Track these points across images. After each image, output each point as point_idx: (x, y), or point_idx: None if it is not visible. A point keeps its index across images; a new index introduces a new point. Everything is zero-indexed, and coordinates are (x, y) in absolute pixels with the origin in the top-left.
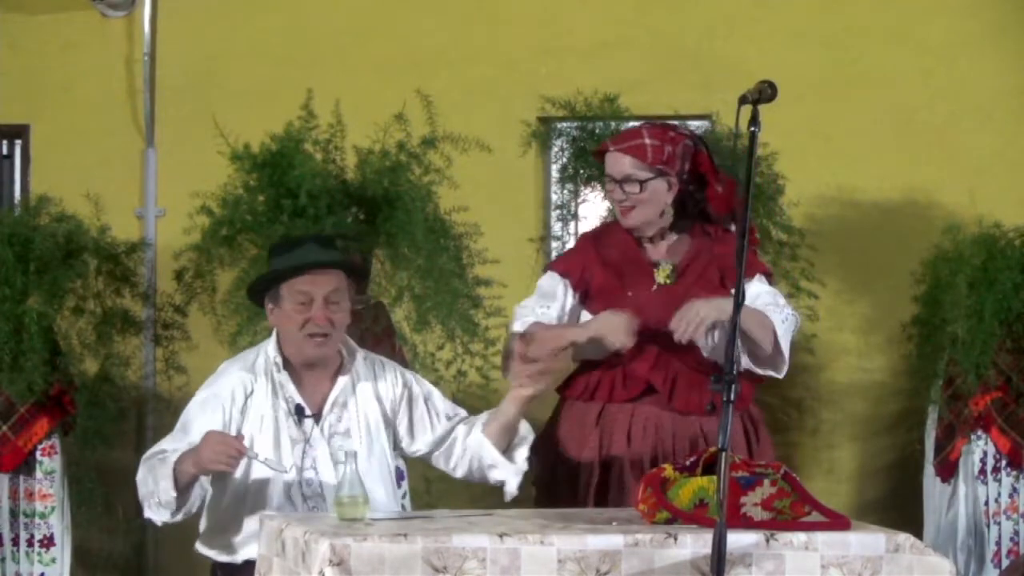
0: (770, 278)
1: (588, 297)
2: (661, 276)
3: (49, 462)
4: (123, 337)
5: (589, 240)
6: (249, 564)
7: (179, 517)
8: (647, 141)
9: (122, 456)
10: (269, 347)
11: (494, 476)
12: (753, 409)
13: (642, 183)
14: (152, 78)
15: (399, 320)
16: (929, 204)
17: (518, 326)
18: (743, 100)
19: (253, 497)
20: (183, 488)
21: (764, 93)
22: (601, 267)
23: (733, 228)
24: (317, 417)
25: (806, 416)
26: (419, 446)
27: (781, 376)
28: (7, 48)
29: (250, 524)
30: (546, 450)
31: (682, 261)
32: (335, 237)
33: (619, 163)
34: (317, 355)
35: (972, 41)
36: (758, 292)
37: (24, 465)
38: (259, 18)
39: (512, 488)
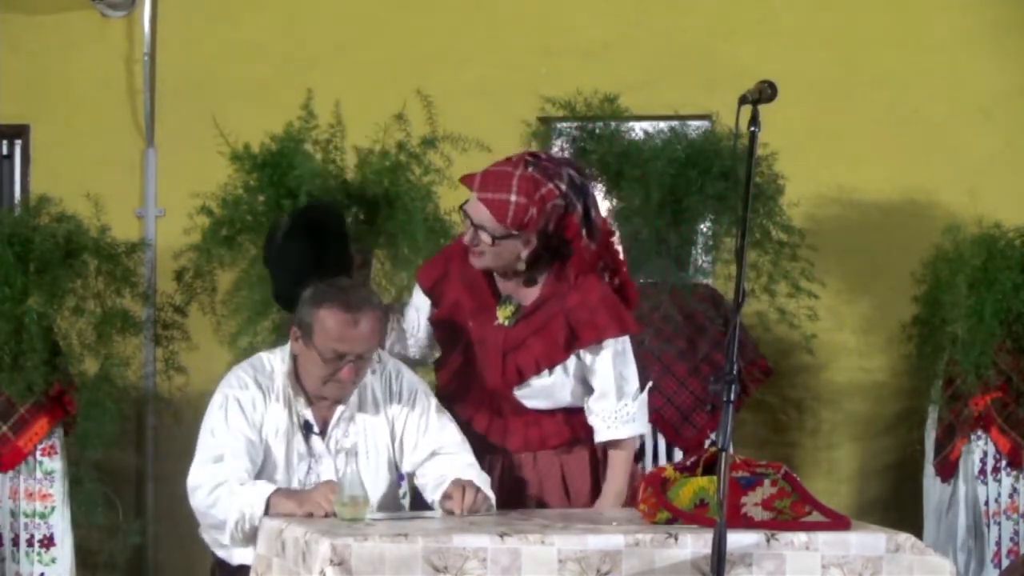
0: (632, 337)
1: (435, 310)
2: (502, 315)
3: (49, 462)
4: (123, 337)
5: (459, 249)
6: (244, 568)
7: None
8: (512, 198)
9: (122, 456)
10: (285, 362)
11: None
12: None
13: (495, 239)
14: (152, 78)
15: None
16: (929, 204)
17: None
18: (743, 100)
19: None
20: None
21: (764, 93)
22: (459, 283)
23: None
24: (323, 433)
25: (806, 416)
26: (405, 466)
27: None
28: (7, 48)
29: None
30: None
31: (528, 305)
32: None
33: (477, 209)
34: (333, 397)
35: (972, 41)
36: (602, 389)
37: (24, 465)
38: (259, 18)
39: None
